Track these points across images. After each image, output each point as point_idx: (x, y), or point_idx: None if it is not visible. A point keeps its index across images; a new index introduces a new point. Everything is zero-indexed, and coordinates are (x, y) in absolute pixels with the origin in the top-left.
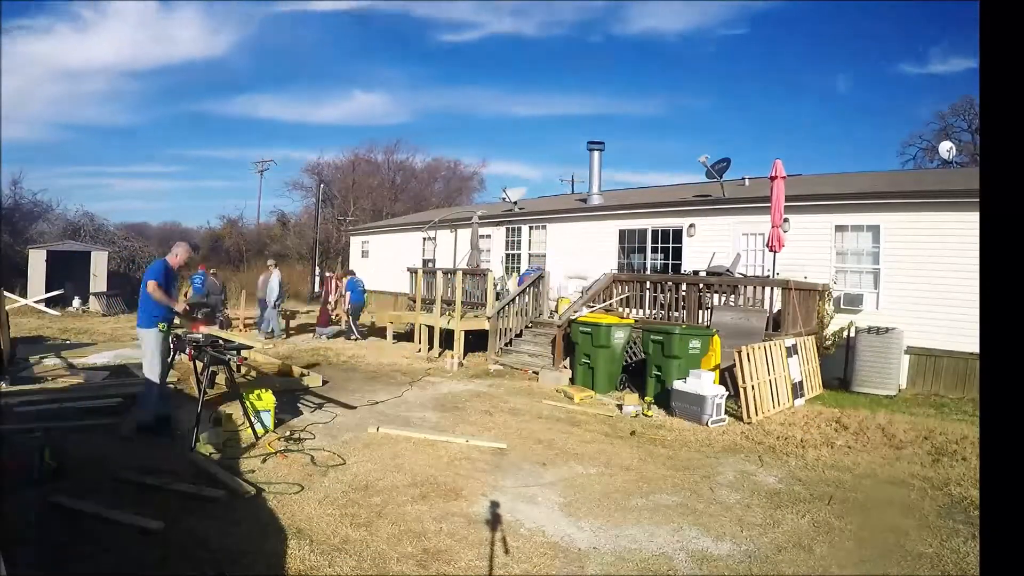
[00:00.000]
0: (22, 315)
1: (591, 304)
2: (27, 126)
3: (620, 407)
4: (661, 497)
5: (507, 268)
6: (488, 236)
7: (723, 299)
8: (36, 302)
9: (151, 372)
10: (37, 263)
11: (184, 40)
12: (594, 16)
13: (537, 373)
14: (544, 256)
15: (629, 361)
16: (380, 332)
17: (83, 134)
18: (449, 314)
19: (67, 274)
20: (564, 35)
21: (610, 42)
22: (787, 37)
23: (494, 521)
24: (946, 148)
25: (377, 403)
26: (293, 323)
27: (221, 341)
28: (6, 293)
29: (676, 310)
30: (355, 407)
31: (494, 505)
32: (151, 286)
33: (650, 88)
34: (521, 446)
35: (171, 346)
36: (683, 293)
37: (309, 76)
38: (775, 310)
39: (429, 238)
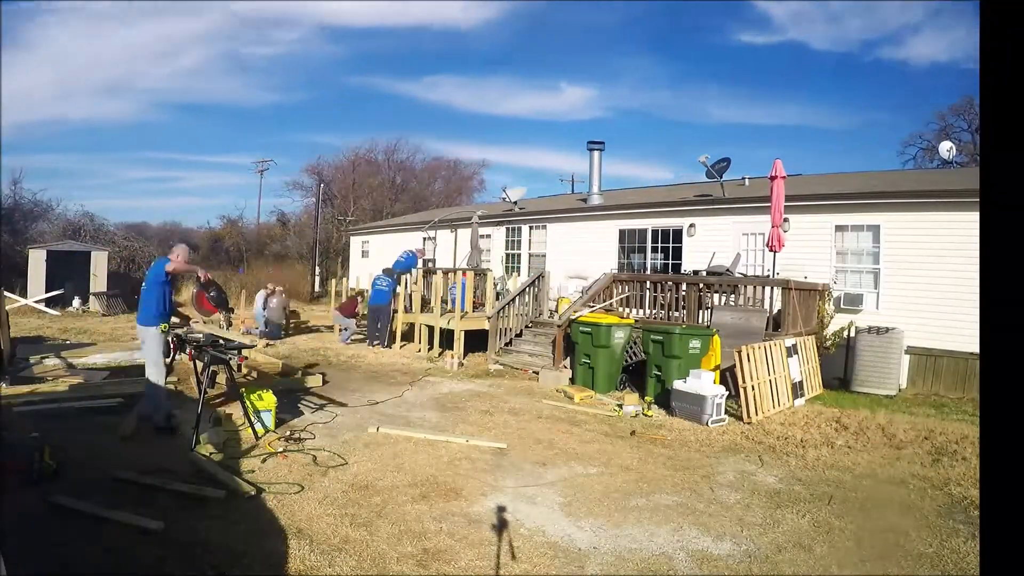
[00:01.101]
0: (22, 315)
1: (591, 304)
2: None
3: (620, 407)
4: (661, 497)
5: (507, 268)
6: (488, 236)
7: (723, 299)
8: (36, 302)
9: (157, 372)
10: (37, 263)
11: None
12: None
13: (537, 373)
14: (544, 256)
15: (629, 361)
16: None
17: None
18: (449, 314)
19: (67, 274)
20: (844, 52)
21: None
22: None
23: (500, 526)
24: (946, 148)
25: (377, 403)
26: (293, 321)
27: (221, 341)
28: (6, 293)
29: (676, 310)
30: (355, 407)
31: (500, 510)
32: (172, 264)
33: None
34: (521, 446)
35: (171, 346)
36: (683, 293)
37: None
38: (775, 310)
39: (429, 238)
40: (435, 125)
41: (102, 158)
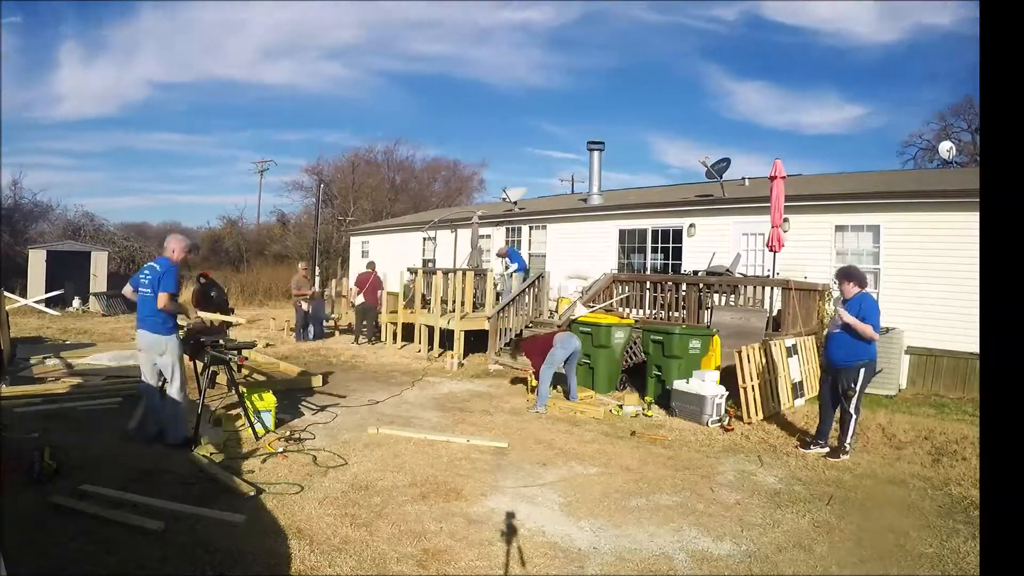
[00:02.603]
0: (22, 315)
1: (591, 304)
2: None
3: (620, 407)
4: (661, 497)
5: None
6: (488, 236)
7: (723, 299)
8: (36, 302)
9: (179, 386)
10: (37, 263)
11: None
12: None
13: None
14: (544, 256)
15: (629, 361)
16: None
17: None
18: (449, 314)
19: (67, 274)
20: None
21: None
22: None
23: (509, 533)
24: (946, 148)
25: (377, 403)
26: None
27: (221, 341)
28: (6, 293)
29: (676, 310)
30: (355, 407)
31: (510, 516)
32: (163, 300)
33: None
34: (521, 446)
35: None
36: (683, 293)
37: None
38: (775, 310)
39: (429, 238)
40: None
41: None
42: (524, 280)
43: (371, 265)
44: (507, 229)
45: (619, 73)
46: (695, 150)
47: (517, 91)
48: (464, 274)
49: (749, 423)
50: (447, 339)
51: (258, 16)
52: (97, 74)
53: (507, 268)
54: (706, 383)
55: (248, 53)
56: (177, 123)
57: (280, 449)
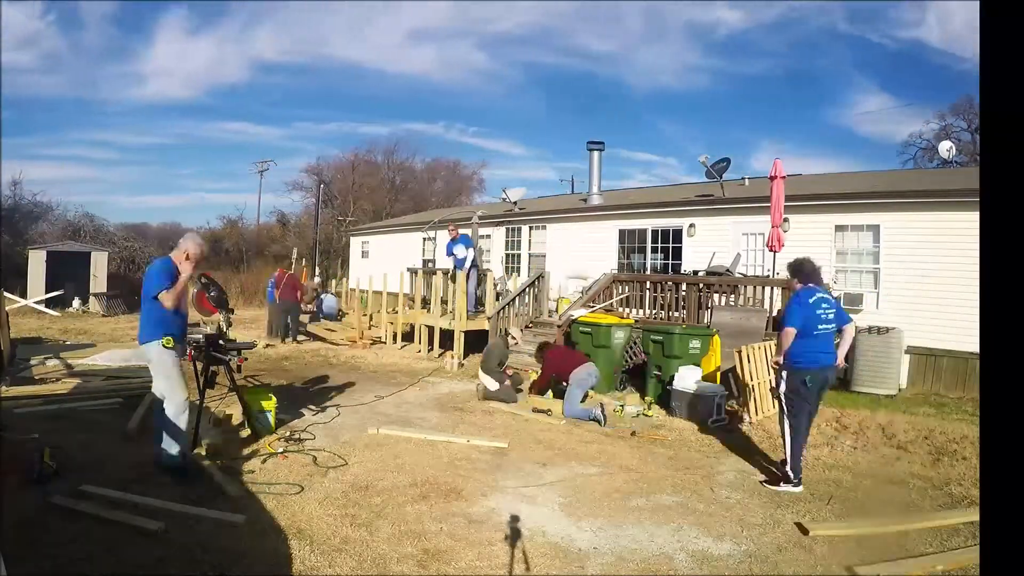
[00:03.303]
0: (22, 316)
1: (591, 304)
2: None
3: (621, 407)
4: (661, 497)
5: (507, 268)
6: (488, 236)
7: (723, 299)
8: (36, 303)
9: (174, 399)
10: (37, 264)
11: None
12: None
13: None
14: (544, 256)
15: (629, 361)
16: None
17: None
18: (449, 314)
19: (67, 275)
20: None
21: None
22: None
23: (513, 536)
24: (946, 148)
25: (377, 403)
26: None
27: (221, 341)
28: (6, 294)
29: (676, 310)
30: (356, 407)
31: (514, 519)
32: (165, 300)
33: None
34: (521, 446)
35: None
36: (683, 293)
37: None
38: (775, 310)
39: (429, 238)
40: None
41: None
42: (477, 280)
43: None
44: (507, 229)
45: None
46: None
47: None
48: (464, 274)
49: (749, 423)
50: (447, 339)
51: None
52: (200, 49)
53: (457, 258)
54: (703, 382)
55: (385, 36)
56: (259, 112)
57: (280, 449)
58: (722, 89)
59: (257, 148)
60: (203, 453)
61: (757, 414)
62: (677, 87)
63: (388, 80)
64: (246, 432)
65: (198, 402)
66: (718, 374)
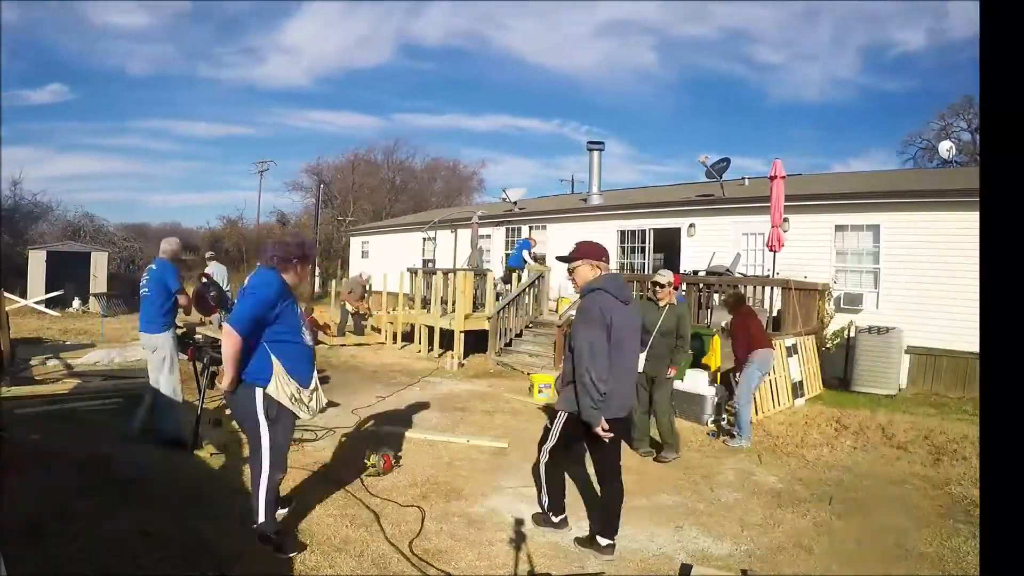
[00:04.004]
0: (22, 316)
1: None
2: None
3: None
4: (661, 497)
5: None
6: (488, 236)
7: (723, 299)
8: (36, 303)
9: (168, 378)
10: (37, 264)
11: None
12: None
13: (538, 372)
14: (544, 256)
15: None
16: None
17: None
18: (449, 314)
19: (67, 275)
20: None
21: None
22: None
23: (518, 540)
24: (946, 148)
25: (378, 403)
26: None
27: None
28: (6, 294)
29: None
30: (356, 407)
31: (518, 523)
32: (182, 301)
33: None
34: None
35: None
36: (683, 293)
37: None
38: (775, 310)
39: (429, 238)
40: None
41: None
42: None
43: None
44: (507, 229)
45: None
46: None
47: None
48: (464, 274)
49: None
50: (447, 339)
51: None
52: (346, 26)
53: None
54: (703, 382)
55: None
56: (366, 101)
57: None
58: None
59: (349, 140)
60: (204, 453)
61: (757, 414)
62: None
63: (541, 74)
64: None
65: (198, 402)
66: (718, 374)
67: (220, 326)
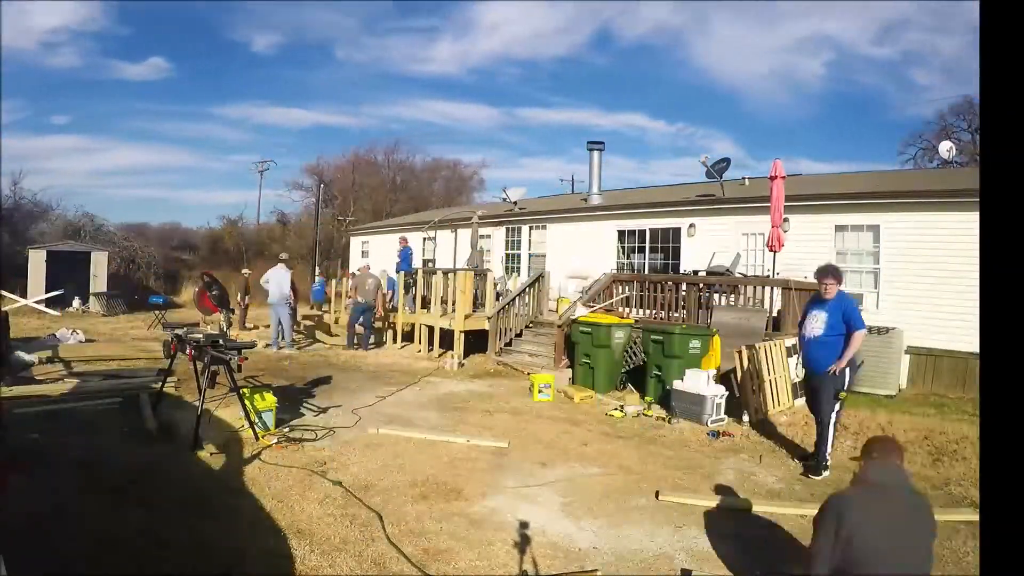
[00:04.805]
0: (22, 315)
1: (591, 304)
2: None
3: (621, 407)
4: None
5: (507, 268)
6: (488, 236)
7: (723, 299)
8: (36, 303)
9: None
10: (37, 264)
11: None
12: None
13: (539, 372)
14: (544, 256)
15: (629, 361)
16: None
17: None
18: (449, 314)
19: (67, 275)
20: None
21: None
22: None
23: (523, 543)
24: (946, 148)
25: (378, 403)
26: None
27: (221, 341)
28: (6, 294)
29: (676, 310)
30: (356, 407)
31: (523, 526)
32: None
33: None
34: (521, 446)
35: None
36: (683, 293)
37: None
38: (775, 310)
39: (429, 238)
40: None
41: None
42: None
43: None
44: (507, 229)
45: None
46: None
47: None
48: (464, 274)
49: (750, 422)
50: (447, 339)
51: None
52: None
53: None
54: (703, 382)
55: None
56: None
57: (275, 440)
58: None
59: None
60: (203, 455)
61: (757, 414)
62: None
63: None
64: (247, 433)
65: (199, 403)
66: (718, 374)
67: (222, 327)
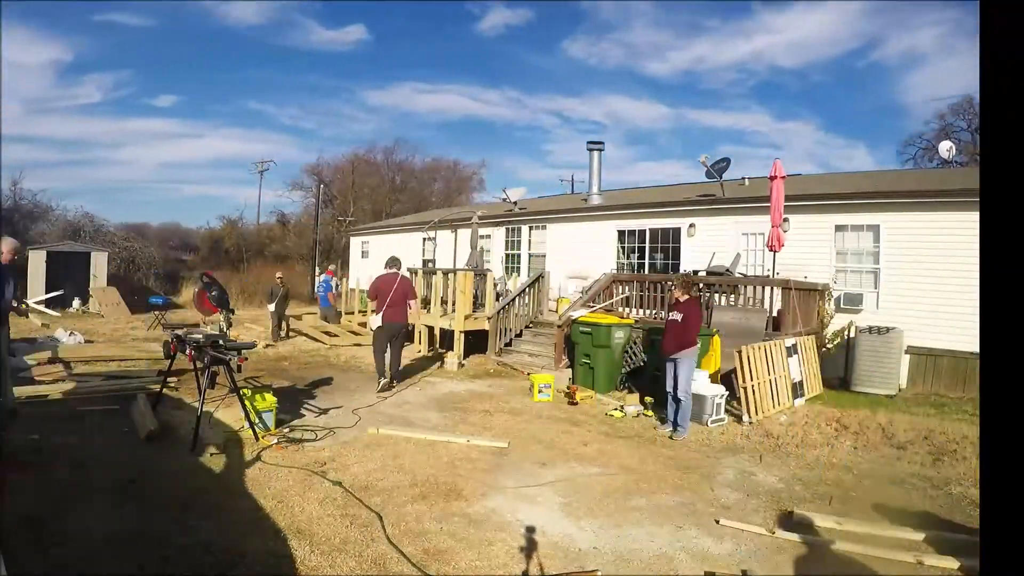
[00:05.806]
0: (22, 315)
1: (591, 304)
2: None
3: (621, 407)
4: (661, 497)
5: (507, 268)
6: (488, 236)
7: (723, 299)
8: (36, 303)
9: None
10: (37, 264)
11: None
12: None
13: (539, 372)
14: (544, 256)
15: (629, 361)
16: None
17: None
18: (449, 314)
19: (67, 275)
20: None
21: None
22: None
23: (529, 548)
24: (946, 148)
25: (378, 403)
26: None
27: (221, 341)
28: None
29: None
30: (356, 407)
31: (530, 531)
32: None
33: None
34: (521, 446)
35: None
36: None
37: None
38: (775, 310)
39: (429, 238)
40: None
41: None
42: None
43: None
44: (507, 229)
45: None
46: None
47: None
48: (464, 274)
49: (749, 423)
50: (447, 339)
51: None
52: None
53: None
54: (703, 382)
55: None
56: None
57: (276, 440)
58: None
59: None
60: (204, 457)
61: (757, 414)
62: None
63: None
64: (247, 433)
65: (199, 403)
66: (718, 374)
67: (222, 327)
